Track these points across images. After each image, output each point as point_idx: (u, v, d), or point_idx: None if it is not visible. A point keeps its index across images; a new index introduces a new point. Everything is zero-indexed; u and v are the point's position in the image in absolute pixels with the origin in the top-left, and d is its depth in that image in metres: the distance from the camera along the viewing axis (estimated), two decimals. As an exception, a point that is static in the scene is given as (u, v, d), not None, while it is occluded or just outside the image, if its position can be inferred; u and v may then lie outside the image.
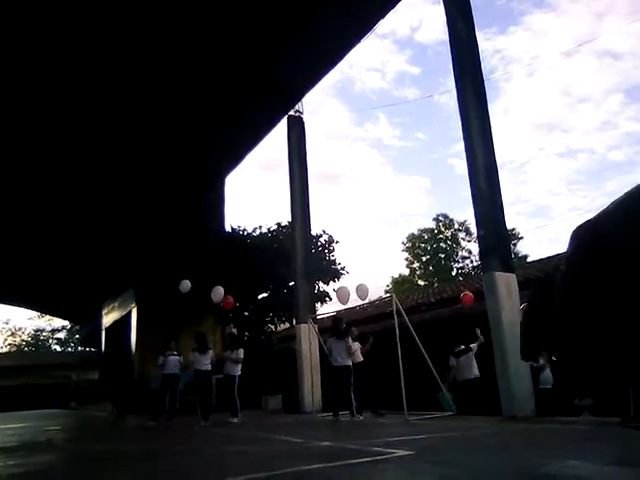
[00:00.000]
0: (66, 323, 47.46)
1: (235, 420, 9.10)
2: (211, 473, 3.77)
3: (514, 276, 7.70)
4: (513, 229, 33.72)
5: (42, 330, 53.31)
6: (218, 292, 11.54)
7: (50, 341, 54.04)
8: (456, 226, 38.32)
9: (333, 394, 9.21)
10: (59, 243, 20.38)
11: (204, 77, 12.55)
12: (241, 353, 9.64)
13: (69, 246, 20.56)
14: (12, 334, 53.36)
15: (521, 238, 35.28)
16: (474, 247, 36.21)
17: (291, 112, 13.68)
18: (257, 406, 12.95)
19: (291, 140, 13.47)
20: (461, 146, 8.55)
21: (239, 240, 17.75)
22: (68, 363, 37.21)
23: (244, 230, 18.40)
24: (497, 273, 7.50)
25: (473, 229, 34.45)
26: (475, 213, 8.23)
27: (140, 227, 17.53)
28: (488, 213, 8.05)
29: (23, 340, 53.20)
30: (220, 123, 14.70)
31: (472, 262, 36.68)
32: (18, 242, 20.43)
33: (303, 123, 13.70)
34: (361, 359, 9.22)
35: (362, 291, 10.36)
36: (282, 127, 13.98)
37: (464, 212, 44.57)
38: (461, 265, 37.77)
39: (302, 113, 13.74)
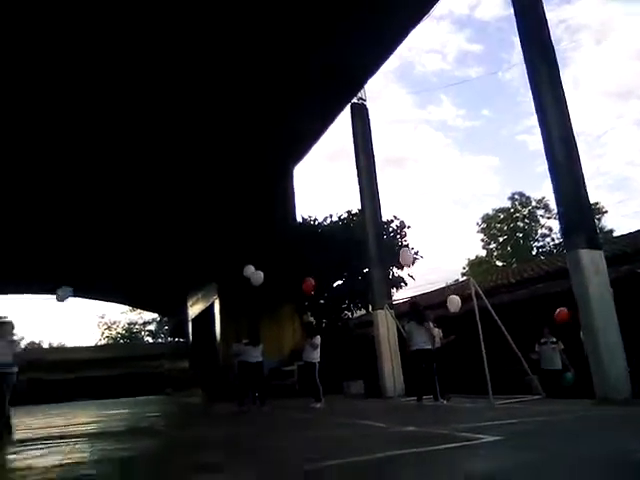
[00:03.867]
0: (155, 316, 50.35)
1: (318, 405, 9.34)
2: (299, 458, 3.91)
3: (601, 253, 7.30)
4: (596, 203, 31.78)
5: (134, 323, 56.92)
6: (249, 270, 11.67)
7: (142, 333, 57.59)
8: (533, 204, 36.65)
9: (414, 378, 9.20)
10: (148, 242, 21.70)
11: (268, 70, 12.79)
12: (318, 340, 9.89)
13: (157, 244, 21.85)
14: (108, 327, 57.42)
15: (605, 212, 33.24)
16: (554, 224, 34.52)
17: (354, 100, 13.61)
18: (339, 391, 13.18)
19: (355, 128, 13.41)
20: (531, 121, 8.25)
21: (311, 230, 18.00)
22: (160, 353, 39.56)
23: (315, 220, 18.62)
24: (582, 250, 7.13)
25: (552, 205, 32.83)
26: (554, 188, 7.84)
27: (219, 223, 18.25)
28: (568, 187, 7.64)
29: (118, 333, 57.05)
30: (285, 115, 14.92)
31: (553, 240, 35.00)
32: (110, 244, 21.93)
33: (367, 110, 13.59)
34: (439, 345, 9.15)
35: (405, 257, 10.86)
36: (346, 116, 13.95)
37: (539, 190, 42.50)
38: (541, 244, 36.14)
39: (365, 100, 13.63)
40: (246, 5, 10.60)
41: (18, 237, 20.62)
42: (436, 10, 11.51)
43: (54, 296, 9.68)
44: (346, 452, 3.95)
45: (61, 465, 4.27)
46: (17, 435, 8.36)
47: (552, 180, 7.80)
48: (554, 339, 9.26)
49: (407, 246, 17.28)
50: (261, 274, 11.66)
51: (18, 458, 5.12)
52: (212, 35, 11.32)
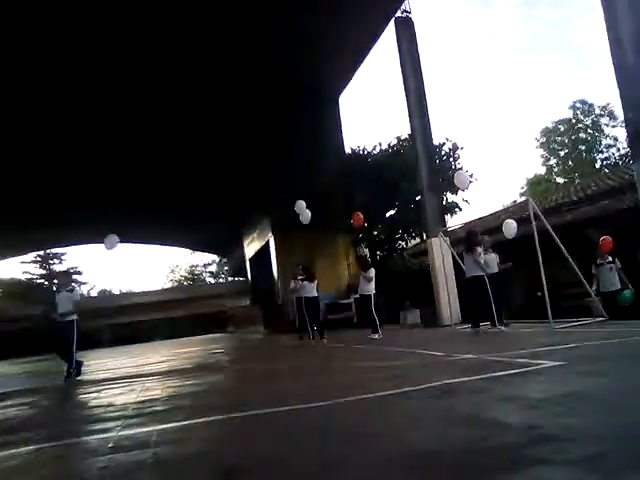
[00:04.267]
0: (215, 257, 52.16)
1: (376, 336, 9.44)
2: (359, 387, 3.95)
3: (674, 161, 6.72)
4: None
5: (196, 265, 59.34)
6: (299, 206, 11.67)
7: (203, 275, 60.07)
8: (597, 111, 34.12)
9: (470, 306, 9.06)
10: (203, 181, 22.09)
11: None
12: (372, 272, 9.86)
13: (211, 183, 22.22)
14: (172, 271, 60.22)
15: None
16: (621, 133, 32.17)
17: (398, 13, 12.70)
18: (396, 321, 13.30)
19: (401, 44, 12.57)
20: (593, 20, 7.34)
21: (361, 160, 17.62)
22: (222, 293, 41.31)
23: (364, 149, 18.17)
24: (651, 159, 6.58)
25: (618, 112, 30.46)
26: (620, 92, 7.13)
27: (270, 157, 18.24)
28: (636, 90, 6.93)
29: (181, 276, 59.76)
30: (326, 28, 14.31)
31: (619, 150, 32.75)
32: (167, 186, 22.49)
33: (412, 24, 12.66)
34: (496, 270, 8.87)
35: (461, 180, 10.31)
36: (391, 34, 13.10)
37: (605, 96, 39.44)
38: (606, 155, 33.94)
39: (410, 12, 12.69)
40: None
41: (81, 188, 21.48)
42: None
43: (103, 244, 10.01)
44: (406, 381, 3.93)
45: (140, 402, 4.53)
46: (98, 375, 9.02)
47: (618, 83, 7.09)
48: (610, 259, 8.76)
49: (461, 169, 16.67)
50: (309, 213, 11.60)
51: (101, 396, 5.49)
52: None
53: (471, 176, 16.60)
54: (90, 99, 15.68)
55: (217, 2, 12.73)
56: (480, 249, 8.38)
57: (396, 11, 12.62)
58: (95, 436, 3.20)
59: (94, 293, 50.94)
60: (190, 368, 8.61)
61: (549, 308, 7.39)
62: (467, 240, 8.77)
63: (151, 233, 34.04)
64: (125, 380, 7.29)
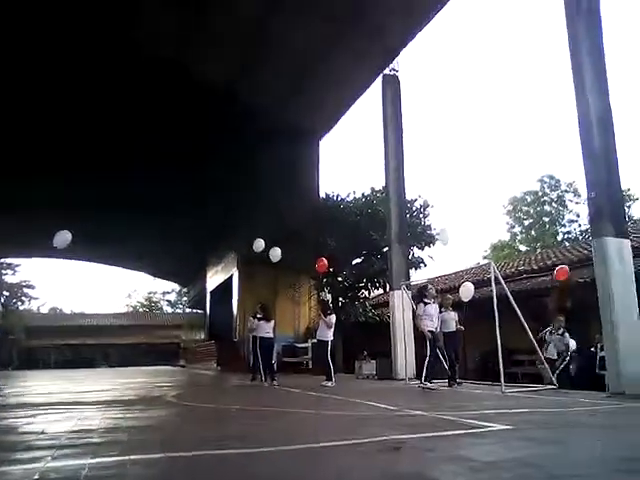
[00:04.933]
0: (176, 286, 51.09)
1: (329, 384, 9.31)
2: (302, 436, 3.87)
3: (628, 242, 7.01)
4: (627, 189, 30.74)
5: (154, 292, 57.90)
6: (259, 244, 11.88)
7: (161, 303, 58.59)
8: (563, 187, 35.69)
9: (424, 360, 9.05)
10: (172, 211, 21.78)
11: (301, 35, 12.52)
12: (333, 319, 9.84)
13: (181, 213, 21.94)
14: (129, 296, 58.59)
15: (636, 199, 32.18)
16: (583, 210, 33.61)
17: (386, 70, 13.16)
18: (351, 371, 13.17)
19: (386, 100, 12.98)
20: (567, 101, 7.76)
21: (334, 206, 17.82)
22: (178, 324, 40.27)
23: (338, 196, 18.41)
24: (608, 238, 6.85)
25: (582, 191, 31.91)
26: (585, 172, 7.49)
27: (241, 192, 18.19)
28: (600, 171, 7.29)
29: (138, 301, 58.14)
30: (314, 81, 14.65)
31: (580, 226, 34.14)
32: (133, 211, 22.07)
33: (399, 82, 13.13)
34: (453, 329, 8.96)
35: (444, 236, 10.42)
36: (377, 88, 13.52)
37: (572, 172, 41.38)
38: (568, 229, 35.28)
39: (397, 71, 13.17)
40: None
41: (42, 199, 20.84)
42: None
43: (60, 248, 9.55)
44: (351, 433, 3.87)
45: (75, 431, 4.31)
46: (35, 398, 8.56)
47: (584, 162, 7.45)
48: (563, 327, 8.99)
49: (430, 226, 17.01)
50: (279, 250, 11.58)
51: (34, 422, 5.20)
52: None
53: (438, 234, 17.03)
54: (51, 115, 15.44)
55: (204, 37, 12.91)
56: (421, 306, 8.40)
57: (385, 68, 13.08)
58: (20, 466, 2.97)
59: (44, 310, 48.90)
60: (134, 400, 8.26)
61: (502, 372, 7.48)
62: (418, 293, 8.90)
63: (113, 255, 33.22)
64: (63, 406, 6.93)
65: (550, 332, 9.08)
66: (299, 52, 13.61)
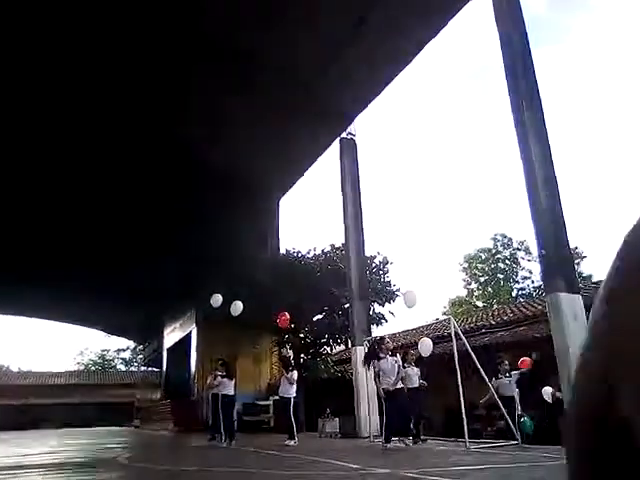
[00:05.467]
0: (130, 343, 49.24)
1: (292, 443, 9.09)
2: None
3: (580, 297, 7.34)
4: (576, 247, 32.22)
5: (108, 350, 55.52)
6: (216, 299, 12.09)
7: (115, 360, 56.13)
8: (515, 245, 37.10)
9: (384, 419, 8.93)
10: (126, 266, 21.32)
11: (259, 104, 12.94)
12: (295, 375, 9.72)
13: (135, 269, 21.47)
14: (80, 353, 55.93)
15: (585, 257, 33.69)
16: (535, 267, 34.89)
17: (343, 134, 13.74)
18: (314, 429, 12.88)
19: (343, 162, 13.50)
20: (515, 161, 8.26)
21: (293, 262, 17.92)
22: (132, 383, 38.52)
23: (298, 252, 18.55)
24: (561, 294, 7.16)
25: (533, 248, 33.26)
26: (535, 231, 7.90)
27: (199, 250, 18.06)
28: (549, 230, 7.71)
29: (90, 359, 55.53)
30: (272, 145, 15.04)
31: (533, 282, 35.32)
32: (86, 267, 21.52)
33: (356, 145, 13.72)
34: (416, 385, 8.98)
35: (410, 298, 10.06)
36: (335, 148, 14.05)
37: (523, 231, 43.19)
38: (521, 286, 36.43)
39: (354, 135, 13.77)
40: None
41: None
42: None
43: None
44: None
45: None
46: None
47: (533, 222, 7.87)
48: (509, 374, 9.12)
49: (389, 282, 17.27)
50: (240, 304, 11.51)
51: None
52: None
53: (398, 290, 17.30)
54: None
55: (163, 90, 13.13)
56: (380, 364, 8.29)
57: (341, 133, 13.65)
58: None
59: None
60: (83, 462, 7.82)
61: (465, 428, 7.50)
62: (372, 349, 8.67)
63: (62, 311, 31.97)
64: (5, 471, 6.48)
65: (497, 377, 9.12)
66: (258, 122, 14.03)
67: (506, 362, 9.19)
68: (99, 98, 12.67)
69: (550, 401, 9.08)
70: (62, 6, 9.99)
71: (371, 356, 8.33)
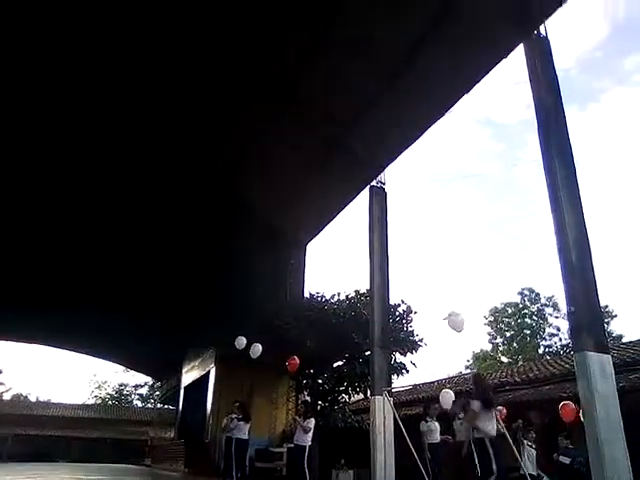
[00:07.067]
0: (148, 379, 49.12)
1: (304, 494, 8.82)
2: None
3: (609, 357, 7.08)
4: (606, 306, 31.37)
5: (126, 385, 55.41)
6: (241, 341, 12.11)
7: (132, 396, 55.88)
8: (543, 301, 36.27)
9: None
10: (149, 304, 21.62)
11: (291, 155, 13.30)
12: (312, 422, 9.53)
13: (158, 307, 21.75)
14: (98, 386, 55.91)
15: (615, 316, 32.72)
16: (563, 324, 33.97)
17: (373, 182, 13.87)
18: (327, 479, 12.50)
19: (372, 210, 13.53)
20: (544, 218, 8.20)
21: (317, 306, 17.79)
22: (147, 420, 38.24)
23: (322, 296, 18.43)
24: (590, 353, 6.92)
25: (562, 304, 32.46)
26: (564, 289, 7.73)
27: (223, 291, 18.19)
28: (579, 287, 7.54)
29: (108, 393, 55.41)
30: (301, 194, 15.32)
31: (561, 340, 34.30)
32: (109, 302, 21.90)
33: (385, 194, 13.78)
34: (437, 440, 8.69)
35: (455, 321, 8.67)
36: (365, 196, 14.15)
37: (550, 286, 42.27)
38: (549, 342, 35.39)
39: (384, 184, 13.87)
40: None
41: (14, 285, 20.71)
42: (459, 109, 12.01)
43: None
44: None
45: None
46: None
47: (563, 281, 7.70)
48: (530, 443, 8.76)
49: (412, 332, 16.92)
50: (259, 347, 11.46)
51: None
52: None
53: (421, 340, 16.95)
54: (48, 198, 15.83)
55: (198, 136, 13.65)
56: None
57: (372, 180, 13.79)
58: None
59: (7, 396, 46.30)
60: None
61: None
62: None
63: (84, 343, 32.34)
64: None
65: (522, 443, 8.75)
66: (289, 172, 14.42)
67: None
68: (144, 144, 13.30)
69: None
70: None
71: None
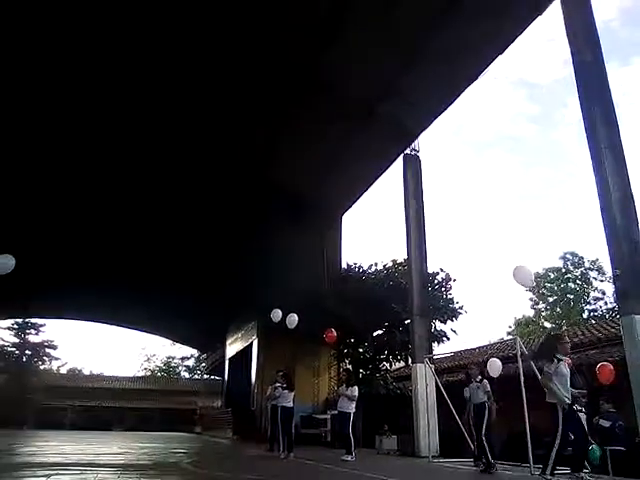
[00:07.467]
0: (194, 351, 50.79)
1: (349, 458, 9.04)
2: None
3: (657, 320, 6.91)
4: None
5: (173, 357, 57.48)
6: (276, 314, 12.33)
7: (179, 368, 57.97)
8: (587, 265, 35.27)
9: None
10: (194, 278, 22.25)
11: (327, 121, 13.21)
12: (355, 390, 9.68)
13: (203, 281, 22.38)
14: (147, 359, 58.23)
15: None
16: (608, 287, 33.02)
17: (407, 150, 13.67)
18: (371, 445, 12.74)
19: (407, 178, 13.40)
20: (585, 180, 7.93)
21: (355, 277, 17.88)
22: (195, 390, 39.70)
23: (360, 267, 18.48)
24: (637, 317, 6.78)
25: (606, 268, 31.51)
26: (609, 251, 7.53)
27: (266, 262, 18.49)
28: (625, 250, 7.34)
29: (157, 366, 57.66)
30: (336, 166, 15.26)
31: (606, 304, 33.39)
32: (156, 277, 22.67)
33: (419, 161, 13.59)
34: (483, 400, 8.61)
35: (522, 274, 7.99)
36: (399, 164, 14.00)
37: (594, 250, 41.04)
38: (594, 307, 34.52)
39: (418, 151, 13.66)
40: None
41: (69, 265, 21.62)
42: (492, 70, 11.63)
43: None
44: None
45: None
46: (50, 458, 8.49)
47: (607, 243, 7.50)
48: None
49: (452, 299, 16.81)
50: (295, 317, 11.66)
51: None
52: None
53: (461, 308, 16.86)
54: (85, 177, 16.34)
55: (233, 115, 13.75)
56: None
57: (406, 148, 13.58)
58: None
59: (63, 371, 48.76)
60: (148, 465, 8.15)
61: (530, 452, 7.20)
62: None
63: (139, 321, 33.79)
64: (78, 467, 6.88)
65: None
66: (322, 146, 14.51)
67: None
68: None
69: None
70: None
71: (544, 354, 6.45)
